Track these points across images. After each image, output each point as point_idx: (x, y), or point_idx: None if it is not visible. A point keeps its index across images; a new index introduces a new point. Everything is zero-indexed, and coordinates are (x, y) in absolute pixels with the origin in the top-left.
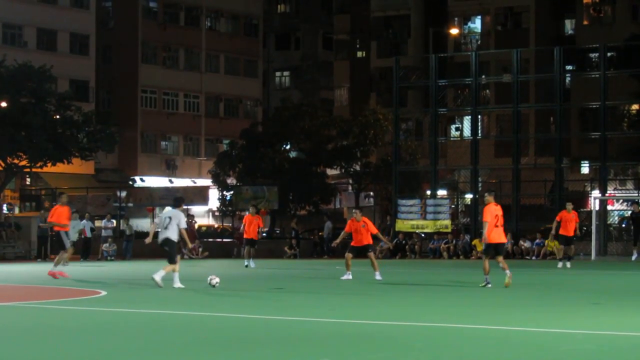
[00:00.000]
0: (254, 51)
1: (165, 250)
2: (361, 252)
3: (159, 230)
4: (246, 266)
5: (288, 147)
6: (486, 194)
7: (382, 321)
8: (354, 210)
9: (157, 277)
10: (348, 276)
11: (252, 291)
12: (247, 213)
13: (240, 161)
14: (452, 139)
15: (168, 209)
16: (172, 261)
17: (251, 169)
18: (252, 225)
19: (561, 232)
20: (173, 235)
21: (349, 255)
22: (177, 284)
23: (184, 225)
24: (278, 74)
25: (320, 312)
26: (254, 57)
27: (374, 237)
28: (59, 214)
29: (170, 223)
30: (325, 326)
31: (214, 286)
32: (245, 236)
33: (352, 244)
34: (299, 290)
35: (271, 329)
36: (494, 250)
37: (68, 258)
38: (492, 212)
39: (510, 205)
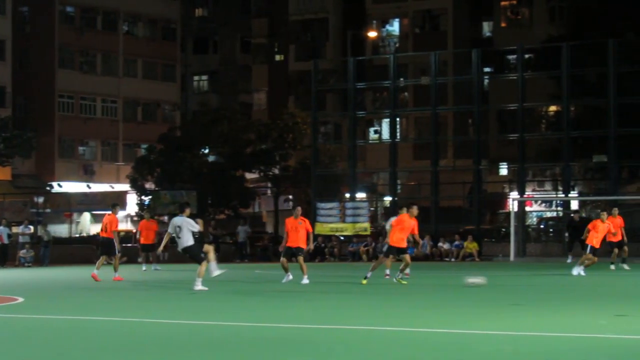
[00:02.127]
0: (172, 55)
1: (191, 257)
2: (294, 254)
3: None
4: (144, 270)
5: (207, 151)
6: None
7: (303, 324)
8: (296, 208)
9: (198, 285)
10: (289, 277)
11: (172, 296)
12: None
13: (159, 166)
14: (370, 142)
15: (176, 218)
16: (200, 261)
17: (169, 173)
18: (148, 230)
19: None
20: (189, 241)
21: (284, 259)
22: (216, 272)
23: (196, 228)
24: (196, 78)
25: (239, 316)
26: (171, 62)
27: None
28: None
29: (182, 231)
30: (246, 330)
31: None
32: (142, 242)
33: (287, 244)
34: (218, 294)
35: (191, 334)
36: (395, 251)
37: None
38: (401, 220)
39: (429, 207)
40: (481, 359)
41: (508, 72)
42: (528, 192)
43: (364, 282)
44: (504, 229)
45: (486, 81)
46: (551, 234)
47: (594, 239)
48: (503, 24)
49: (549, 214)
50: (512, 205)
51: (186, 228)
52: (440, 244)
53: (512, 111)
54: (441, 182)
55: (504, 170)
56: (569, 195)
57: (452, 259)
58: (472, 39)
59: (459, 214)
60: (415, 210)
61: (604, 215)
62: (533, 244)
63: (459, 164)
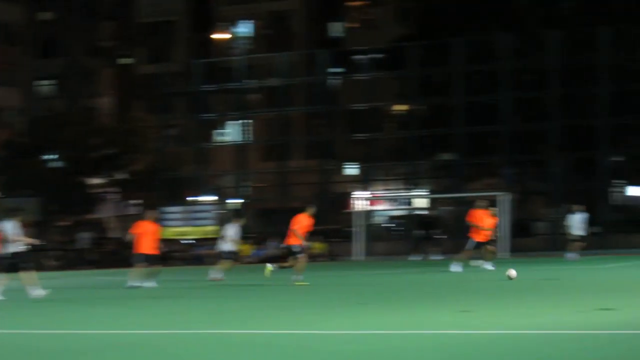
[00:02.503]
0: (15, 60)
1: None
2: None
3: None
4: None
5: (51, 157)
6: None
7: (147, 330)
8: (146, 212)
9: (270, 267)
10: (150, 283)
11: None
12: None
13: (1, 172)
14: (218, 144)
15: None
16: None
17: (12, 180)
18: None
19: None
20: (15, 248)
21: (143, 264)
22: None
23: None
24: (41, 82)
25: (85, 324)
26: (14, 66)
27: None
28: None
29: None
30: (93, 338)
31: None
32: None
33: (143, 250)
34: (63, 302)
35: (39, 344)
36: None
37: None
38: (299, 220)
39: (277, 208)
40: (326, 359)
41: (357, 72)
42: (376, 191)
43: (303, 283)
44: (351, 228)
45: (335, 82)
46: (398, 233)
47: (480, 234)
48: (353, 25)
49: (396, 213)
50: (359, 205)
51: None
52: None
53: (360, 111)
54: (289, 183)
55: (352, 170)
56: (416, 193)
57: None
58: (322, 40)
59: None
60: (312, 209)
61: (494, 210)
62: (380, 242)
63: (307, 165)
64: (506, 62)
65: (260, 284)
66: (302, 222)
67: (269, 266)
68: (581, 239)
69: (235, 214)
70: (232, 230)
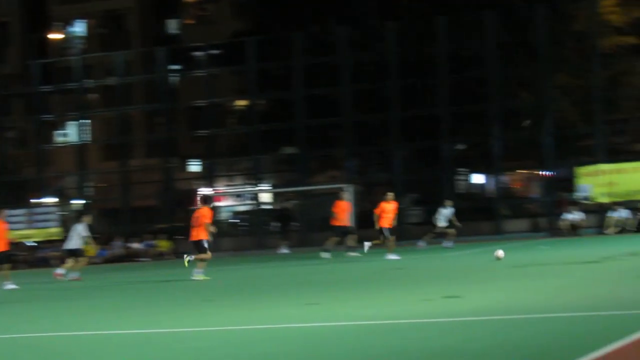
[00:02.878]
0: None
1: None
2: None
3: None
4: None
5: None
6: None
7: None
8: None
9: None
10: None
11: None
12: None
13: None
14: (58, 145)
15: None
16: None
17: None
18: None
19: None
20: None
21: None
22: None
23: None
24: None
25: None
26: None
27: None
28: None
29: None
30: None
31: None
32: None
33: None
34: None
35: None
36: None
37: None
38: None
39: (120, 208)
40: (174, 356)
41: (196, 68)
42: (220, 187)
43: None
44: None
45: (175, 79)
46: (245, 228)
47: (385, 221)
48: (189, 21)
49: (242, 208)
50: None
51: None
52: (131, 244)
53: (201, 107)
54: (132, 182)
55: (195, 167)
56: (261, 187)
57: (146, 259)
58: (159, 37)
59: (151, 213)
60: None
61: (390, 195)
62: (227, 238)
63: (149, 163)
64: (345, 55)
65: (106, 284)
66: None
67: (187, 257)
68: (446, 229)
69: (81, 213)
70: (79, 229)
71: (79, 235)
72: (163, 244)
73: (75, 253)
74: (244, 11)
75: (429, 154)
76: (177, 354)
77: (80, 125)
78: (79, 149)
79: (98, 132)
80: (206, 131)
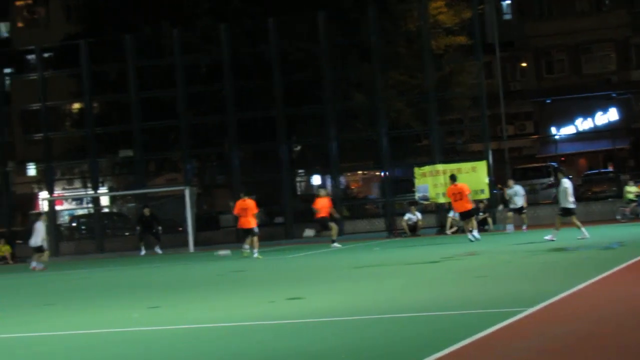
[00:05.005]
0: None
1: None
2: None
3: None
4: None
5: None
6: None
7: None
8: None
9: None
10: None
11: None
12: None
13: None
14: None
15: None
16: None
17: None
18: None
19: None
20: None
21: None
22: None
23: None
24: None
25: None
26: None
27: None
28: None
29: None
30: None
31: None
32: None
33: None
34: None
35: None
36: None
37: None
38: None
39: None
40: None
41: (29, 71)
42: (58, 191)
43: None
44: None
45: (7, 82)
46: (84, 231)
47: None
48: (20, 24)
49: (80, 212)
50: (43, 205)
51: None
52: None
53: (36, 110)
54: None
55: (32, 171)
56: (99, 191)
57: None
58: None
59: None
60: None
61: (322, 191)
62: (66, 242)
63: None
64: (179, 56)
65: None
66: None
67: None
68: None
69: (39, 213)
70: (39, 227)
71: (38, 233)
72: (3, 249)
73: (39, 249)
74: (73, 14)
75: (268, 156)
76: (22, 359)
77: None
78: None
79: None
80: (41, 134)
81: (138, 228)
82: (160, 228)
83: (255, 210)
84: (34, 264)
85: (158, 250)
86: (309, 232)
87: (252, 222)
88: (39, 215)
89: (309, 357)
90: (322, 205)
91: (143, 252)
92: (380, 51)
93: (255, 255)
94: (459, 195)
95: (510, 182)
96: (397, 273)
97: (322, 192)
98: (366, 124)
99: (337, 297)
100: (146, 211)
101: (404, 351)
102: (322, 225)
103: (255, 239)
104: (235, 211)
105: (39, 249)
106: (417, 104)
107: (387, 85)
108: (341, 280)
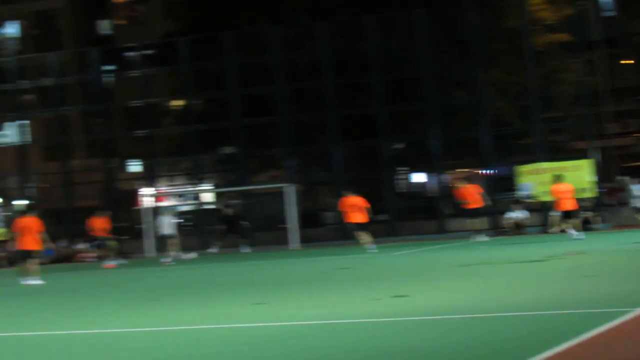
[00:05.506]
0: None
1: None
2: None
3: None
4: None
5: None
6: None
7: None
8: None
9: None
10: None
11: None
12: None
13: None
14: None
15: None
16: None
17: None
18: None
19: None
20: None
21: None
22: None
23: None
24: None
25: None
26: None
27: None
28: None
29: None
30: None
31: None
32: None
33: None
34: None
35: None
36: None
37: None
38: None
39: (63, 209)
40: (121, 356)
41: (130, 69)
42: (161, 187)
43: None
44: (139, 226)
45: (110, 79)
46: (188, 228)
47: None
48: (121, 21)
49: (183, 208)
50: (145, 202)
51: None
52: (76, 244)
53: (138, 107)
54: (74, 183)
55: (135, 167)
56: (201, 187)
57: (91, 259)
58: (92, 38)
59: (94, 214)
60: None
61: (463, 182)
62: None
63: (89, 164)
64: (279, 54)
65: (51, 284)
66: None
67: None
68: None
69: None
70: None
71: (164, 225)
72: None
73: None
74: (173, 11)
75: (368, 153)
76: (124, 353)
77: (19, 126)
78: (19, 150)
79: (37, 133)
80: (144, 131)
81: (222, 227)
82: (246, 223)
83: (362, 206)
84: (168, 258)
85: (246, 249)
86: (480, 237)
87: (357, 218)
88: (164, 209)
89: (414, 354)
90: (469, 195)
91: (248, 249)
92: (481, 48)
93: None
94: (563, 194)
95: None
96: (502, 271)
97: (462, 182)
98: (467, 122)
99: (442, 295)
100: (229, 210)
101: (510, 350)
102: (470, 216)
103: (358, 233)
104: (341, 207)
105: (167, 238)
106: (518, 101)
107: (488, 83)
108: (446, 278)
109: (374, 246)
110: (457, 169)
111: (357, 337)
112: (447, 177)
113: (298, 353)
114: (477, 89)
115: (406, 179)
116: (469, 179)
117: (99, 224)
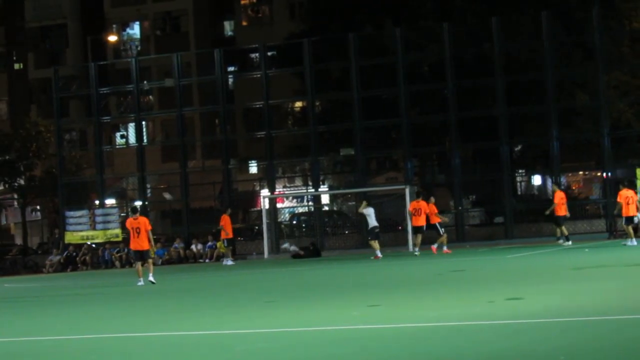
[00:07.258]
0: None
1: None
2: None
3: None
4: None
5: None
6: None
7: (53, 336)
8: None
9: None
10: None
11: None
12: None
13: None
14: (117, 146)
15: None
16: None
17: None
18: None
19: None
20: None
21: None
22: None
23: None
24: None
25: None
26: None
27: None
28: None
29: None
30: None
31: None
32: None
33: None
34: None
35: None
36: None
37: None
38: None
39: (181, 209)
40: (235, 358)
41: (252, 70)
42: (279, 189)
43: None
44: (256, 227)
45: (231, 80)
46: (304, 229)
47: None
48: (244, 23)
49: (300, 210)
50: (264, 203)
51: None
52: (192, 245)
53: (258, 109)
54: (191, 184)
55: (253, 168)
56: (319, 189)
57: (207, 260)
58: (215, 39)
59: (211, 215)
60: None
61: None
62: (288, 240)
63: (208, 165)
64: (401, 55)
65: (168, 286)
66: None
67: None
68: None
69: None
70: None
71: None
72: (219, 245)
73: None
74: (299, 13)
75: (488, 155)
76: (238, 356)
77: (139, 127)
78: (138, 151)
79: (157, 134)
80: (264, 132)
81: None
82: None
83: (426, 210)
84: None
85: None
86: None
87: (420, 221)
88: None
89: (529, 357)
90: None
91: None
92: (604, 51)
93: (416, 252)
94: None
95: None
96: (618, 274)
97: (554, 187)
98: (588, 124)
99: (557, 297)
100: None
101: (625, 354)
102: (555, 223)
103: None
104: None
105: (375, 231)
106: (639, 103)
107: (610, 86)
108: (561, 281)
109: (417, 249)
110: (576, 171)
111: (470, 340)
112: (565, 179)
113: (411, 356)
114: (598, 91)
115: (525, 181)
116: (558, 184)
117: (228, 223)
